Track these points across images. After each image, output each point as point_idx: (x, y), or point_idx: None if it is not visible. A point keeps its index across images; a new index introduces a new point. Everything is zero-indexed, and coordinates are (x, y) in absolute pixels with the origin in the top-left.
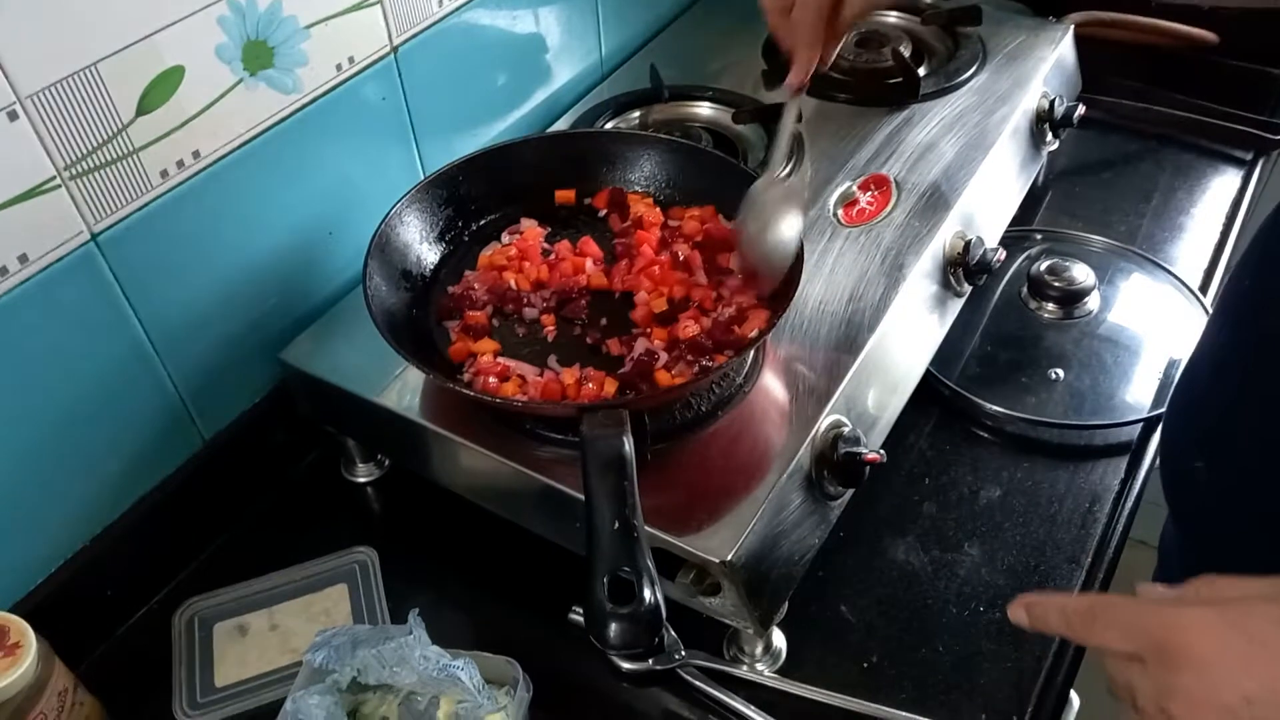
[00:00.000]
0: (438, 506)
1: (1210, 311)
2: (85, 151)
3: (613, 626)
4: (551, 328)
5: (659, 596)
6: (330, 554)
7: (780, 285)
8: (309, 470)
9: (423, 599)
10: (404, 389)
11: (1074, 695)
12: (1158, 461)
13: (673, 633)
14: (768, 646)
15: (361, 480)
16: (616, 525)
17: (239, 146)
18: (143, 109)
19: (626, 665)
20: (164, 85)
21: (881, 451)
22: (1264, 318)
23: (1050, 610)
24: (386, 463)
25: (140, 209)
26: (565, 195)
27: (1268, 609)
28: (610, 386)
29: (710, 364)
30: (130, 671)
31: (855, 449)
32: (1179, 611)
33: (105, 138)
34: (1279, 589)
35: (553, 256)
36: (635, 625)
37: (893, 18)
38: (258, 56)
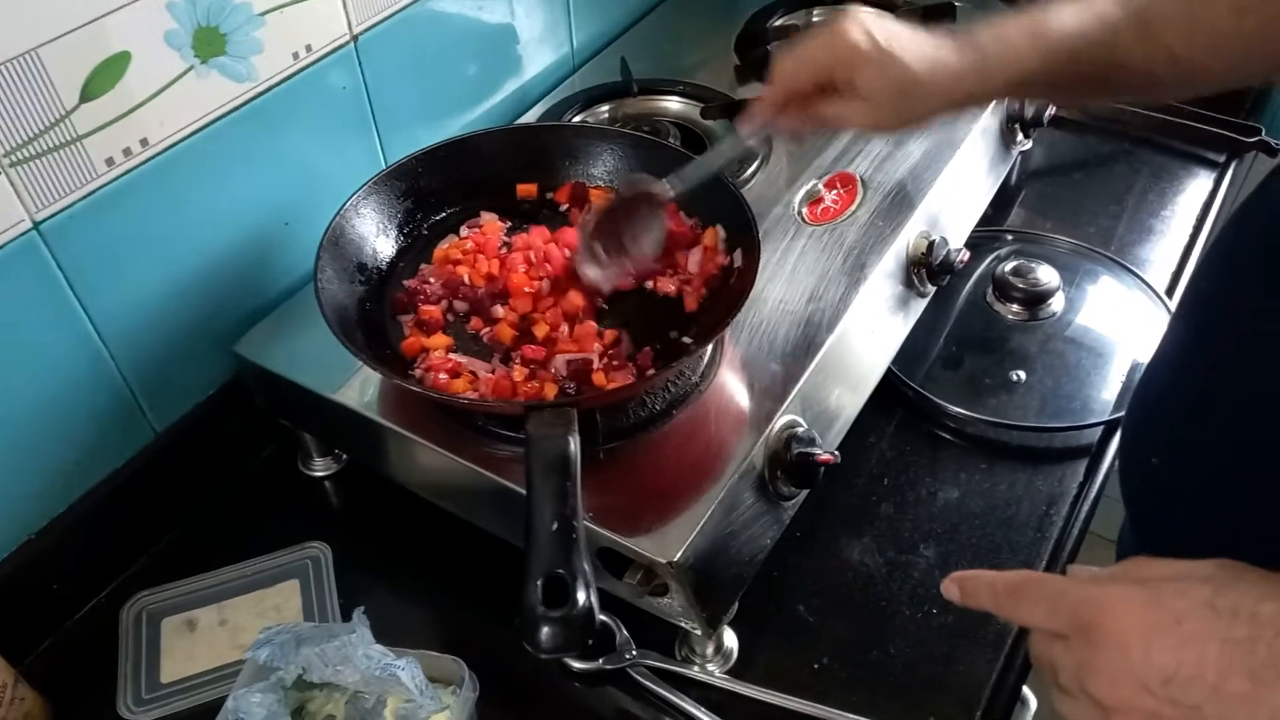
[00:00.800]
0: (394, 502)
1: (1172, 311)
2: (26, 138)
3: (544, 629)
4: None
5: (593, 600)
6: (283, 549)
7: (734, 288)
8: (265, 463)
9: (376, 595)
10: (359, 384)
11: (1030, 695)
12: (1116, 462)
13: (624, 632)
14: (719, 647)
15: (319, 474)
16: (556, 526)
17: (190, 135)
18: (87, 95)
19: (577, 665)
20: (109, 71)
21: (835, 453)
22: (1223, 318)
23: (980, 586)
24: (344, 457)
25: (85, 197)
26: (527, 189)
27: (1192, 588)
28: (552, 390)
29: (650, 373)
30: (75, 667)
31: (809, 449)
32: (1104, 589)
33: (47, 124)
34: (1208, 570)
35: (505, 251)
36: (567, 629)
37: (868, 12)
38: (209, 43)
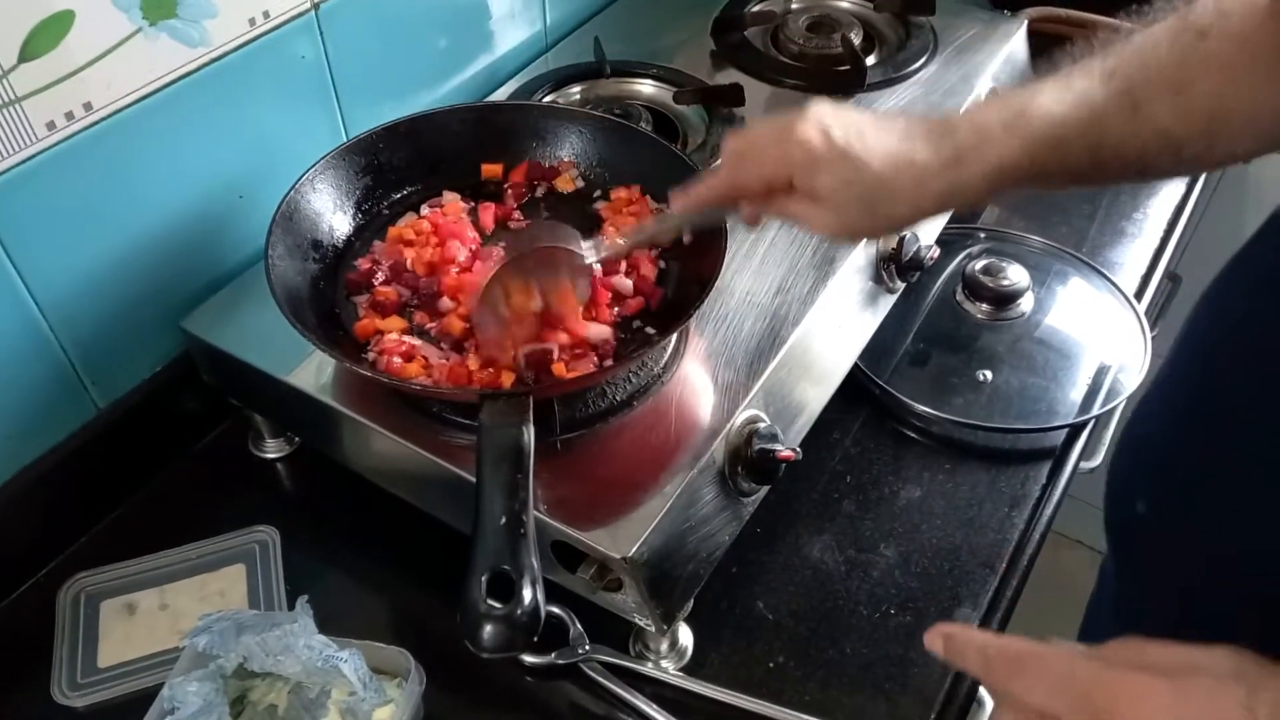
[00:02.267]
0: (347, 487)
1: (1152, 350)
2: None
3: (487, 628)
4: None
5: (539, 599)
6: (230, 532)
7: (700, 278)
8: (215, 443)
9: (325, 582)
10: (313, 366)
11: (986, 697)
12: (1104, 497)
13: (578, 625)
14: (674, 643)
15: (270, 456)
16: (504, 520)
17: (138, 100)
18: (26, 55)
19: (529, 659)
20: (50, 30)
21: (797, 449)
22: (1216, 360)
23: (969, 647)
24: (297, 439)
25: (23, 162)
26: (492, 169)
27: (1224, 687)
28: (508, 378)
29: (606, 364)
30: (9, 650)
31: (770, 445)
32: (1122, 676)
33: None
34: (1230, 662)
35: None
36: (511, 628)
37: (846, 2)
38: (159, 5)
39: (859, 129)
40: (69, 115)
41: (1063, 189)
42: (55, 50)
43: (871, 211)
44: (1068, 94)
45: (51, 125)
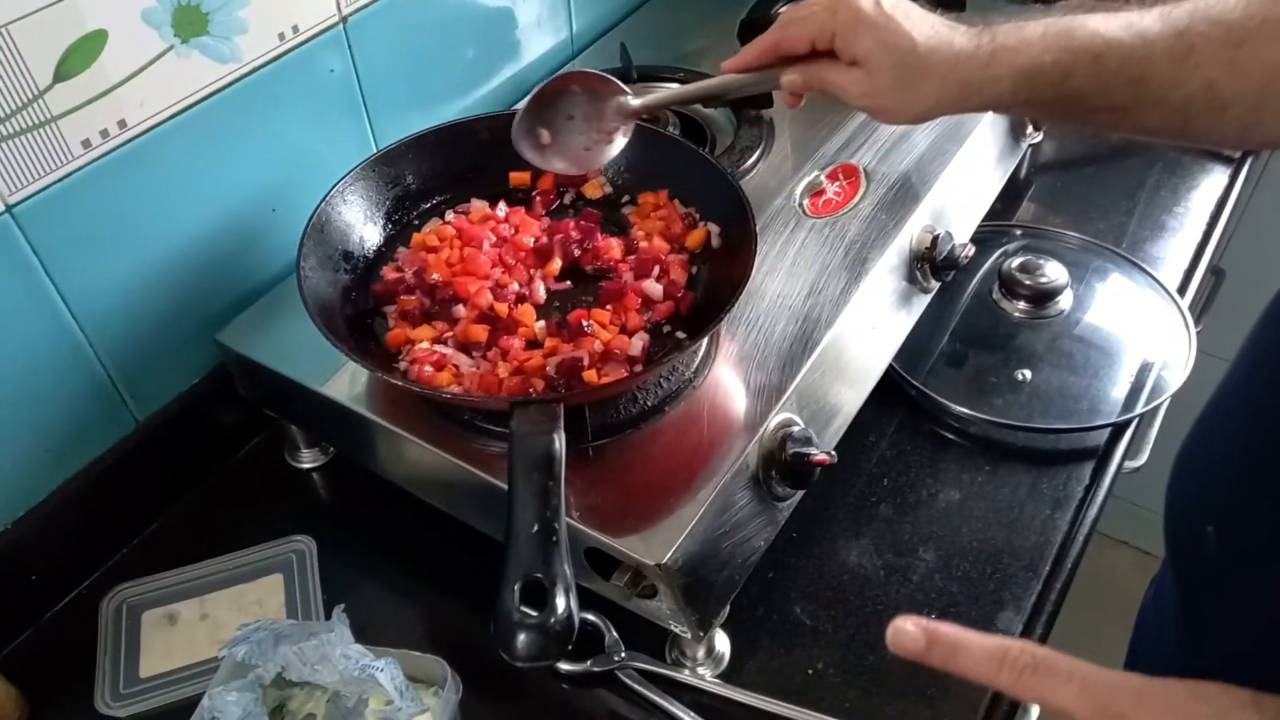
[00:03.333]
0: (382, 496)
1: (1197, 346)
2: None
3: (520, 636)
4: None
5: (573, 606)
6: (267, 542)
7: (730, 281)
8: (251, 454)
9: (361, 591)
10: (347, 376)
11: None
12: (1163, 516)
13: (614, 633)
14: (710, 650)
15: (306, 466)
16: (536, 528)
17: (171, 117)
18: (61, 74)
19: (565, 666)
20: (85, 50)
21: (832, 453)
22: None
23: (980, 653)
24: (331, 449)
25: (60, 180)
26: (520, 177)
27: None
28: (539, 384)
29: (637, 369)
30: (53, 660)
31: (804, 449)
32: (1148, 683)
33: (20, 104)
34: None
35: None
36: (544, 636)
37: None
38: (190, 22)
39: (906, 6)
40: (104, 133)
41: (1098, 127)
42: (89, 69)
43: (902, 83)
44: (1120, 21)
45: (87, 143)
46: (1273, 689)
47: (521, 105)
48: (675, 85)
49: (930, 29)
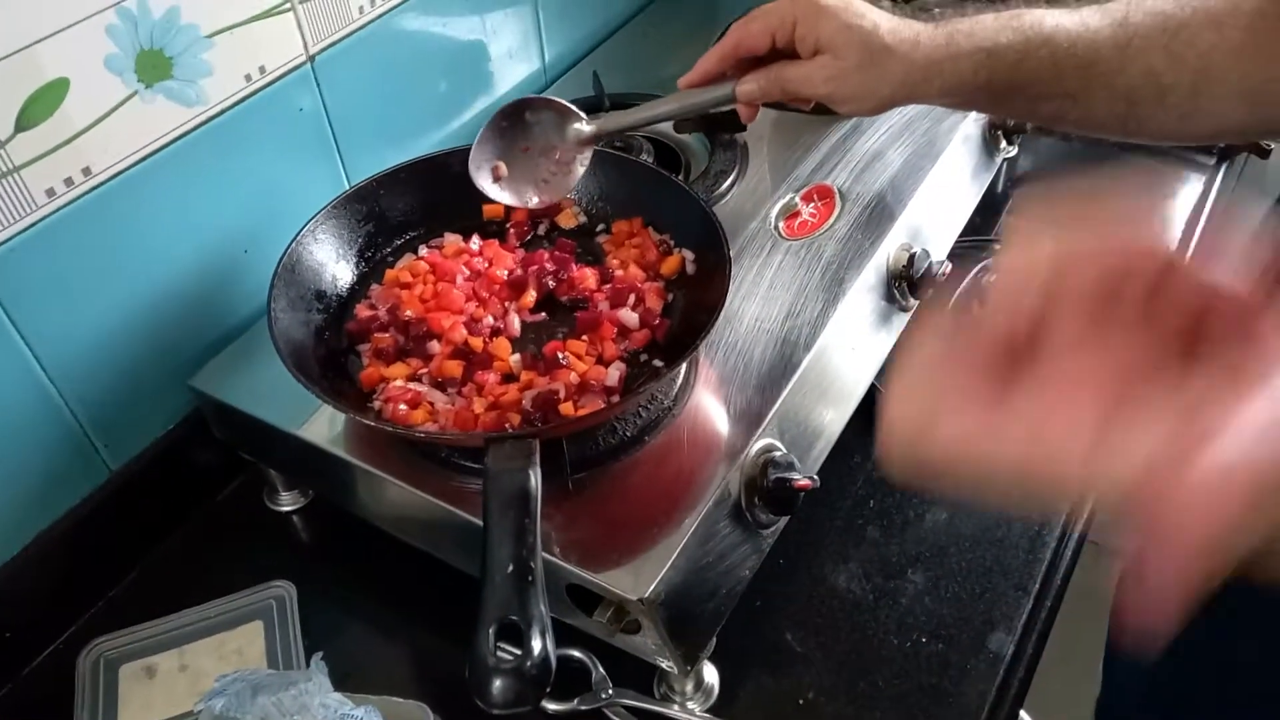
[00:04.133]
0: (363, 537)
1: None
2: None
3: (496, 683)
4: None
5: (549, 648)
6: (246, 589)
7: (706, 306)
8: (230, 498)
9: (343, 635)
10: (324, 418)
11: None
12: None
13: (600, 669)
14: (699, 683)
15: (285, 509)
16: (511, 568)
17: (137, 162)
18: (23, 124)
19: (552, 705)
20: (46, 99)
21: (815, 477)
22: None
23: None
24: (311, 491)
25: (25, 230)
26: (494, 210)
27: None
28: (515, 419)
29: (614, 400)
30: (30, 717)
31: (787, 475)
32: None
33: None
34: None
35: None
36: (520, 681)
37: None
38: (154, 67)
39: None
40: (68, 181)
41: (1048, 120)
42: (52, 118)
43: (867, 64)
44: (1063, 12)
45: (51, 192)
46: (1267, 646)
47: (476, 138)
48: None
49: (888, 16)
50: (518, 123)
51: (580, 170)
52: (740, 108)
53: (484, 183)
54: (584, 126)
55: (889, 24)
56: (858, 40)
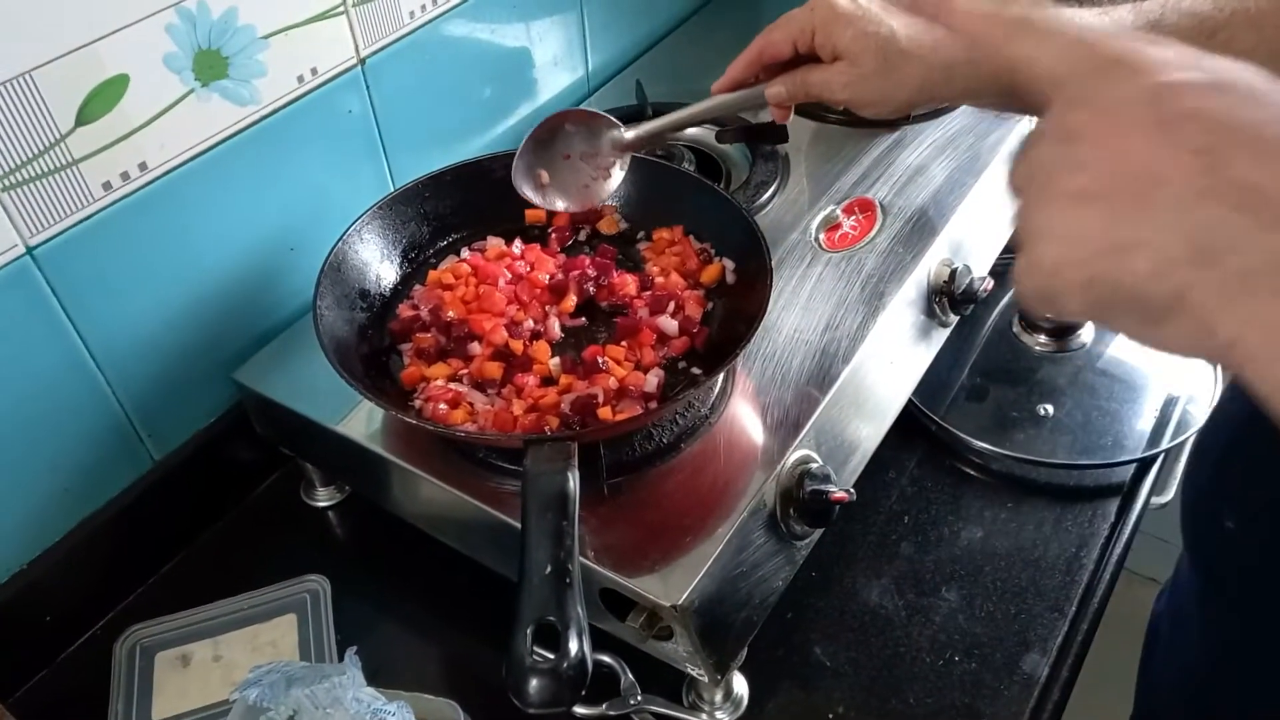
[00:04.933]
0: (398, 535)
1: (1223, 379)
2: (19, 162)
3: (533, 682)
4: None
5: (587, 650)
6: (280, 582)
7: (746, 316)
8: (267, 493)
9: (375, 632)
10: (363, 415)
11: None
12: (1180, 512)
13: (629, 675)
14: (728, 693)
15: (321, 505)
16: (550, 569)
17: (191, 159)
18: (83, 119)
19: (580, 710)
20: (106, 94)
21: (851, 490)
22: None
23: None
24: (347, 488)
25: (81, 222)
26: (536, 214)
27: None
28: (554, 422)
29: (652, 406)
30: (66, 702)
31: (822, 487)
32: None
33: (42, 148)
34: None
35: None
36: (557, 682)
37: None
38: (210, 66)
39: (879, 3)
40: (124, 175)
41: None
42: (111, 113)
43: (885, 69)
44: (1093, 12)
45: (108, 185)
46: None
47: (519, 149)
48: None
49: (908, 21)
50: (558, 132)
51: (620, 175)
52: (773, 109)
53: (527, 190)
54: (622, 133)
55: (907, 30)
56: (873, 47)
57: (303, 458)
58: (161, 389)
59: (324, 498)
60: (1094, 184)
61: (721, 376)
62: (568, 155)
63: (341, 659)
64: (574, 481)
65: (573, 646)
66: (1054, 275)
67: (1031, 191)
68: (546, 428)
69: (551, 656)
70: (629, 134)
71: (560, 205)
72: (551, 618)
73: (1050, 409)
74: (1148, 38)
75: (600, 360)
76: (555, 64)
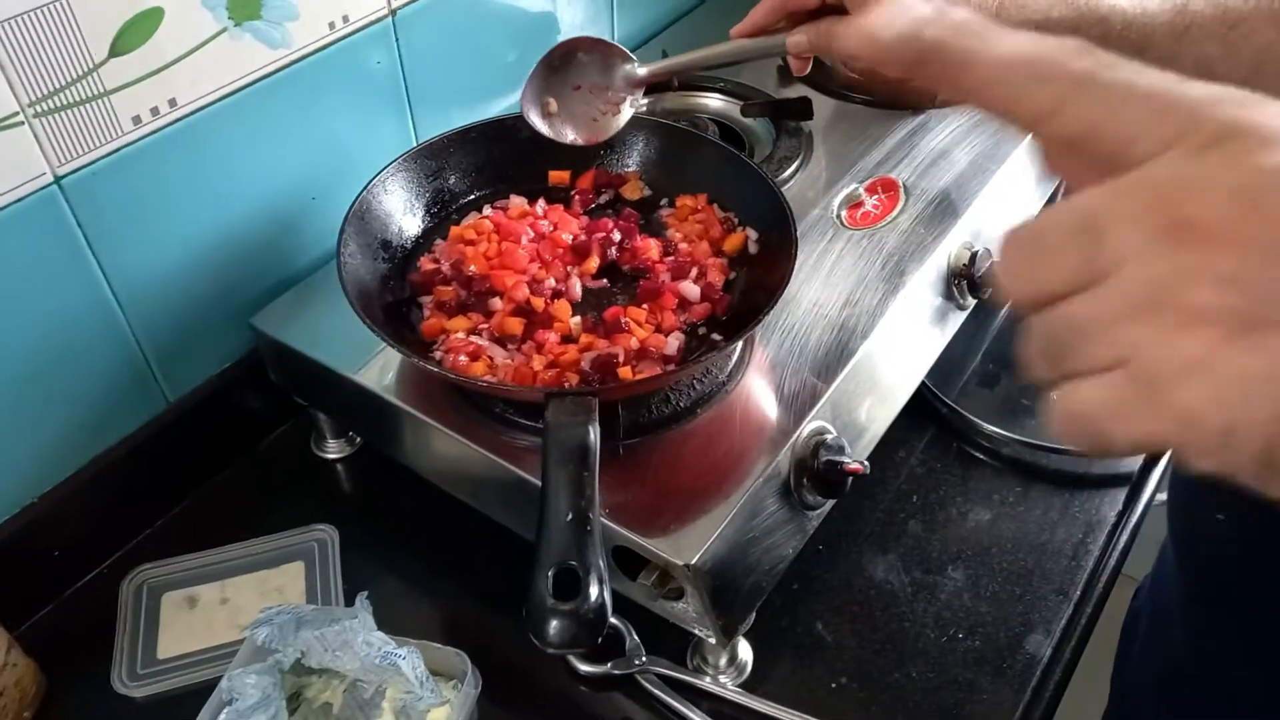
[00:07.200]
0: (407, 489)
1: None
2: (52, 89)
3: (553, 623)
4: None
5: (606, 595)
6: (290, 530)
7: (767, 286)
8: (278, 442)
9: (382, 583)
10: (379, 365)
11: None
12: (1166, 508)
13: (635, 636)
14: (733, 658)
15: (331, 456)
16: (570, 516)
17: (220, 99)
18: (116, 50)
19: (584, 667)
20: (141, 27)
21: (865, 463)
22: None
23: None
24: (357, 440)
25: (109, 154)
26: (559, 176)
27: None
28: (573, 378)
29: (671, 368)
30: (72, 637)
31: (837, 458)
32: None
33: (74, 76)
34: None
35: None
36: (577, 624)
37: None
38: (244, 6)
39: None
40: (154, 110)
41: None
42: (144, 46)
43: (901, 11)
44: None
45: (137, 119)
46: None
47: (530, 73)
48: (716, 93)
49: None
50: (570, 61)
51: (630, 112)
52: (791, 60)
53: (534, 116)
54: (635, 68)
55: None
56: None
57: (316, 407)
58: (179, 331)
59: (334, 450)
60: (1257, 307)
61: (740, 344)
62: (578, 86)
63: (350, 607)
64: (594, 435)
65: (593, 590)
66: (1228, 436)
67: (1127, 296)
68: (566, 384)
69: (569, 603)
70: (642, 70)
71: (568, 136)
72: (573, 562)
73: None
74: (1224, 92)
75: (622, 320)
76: (581, 31)
